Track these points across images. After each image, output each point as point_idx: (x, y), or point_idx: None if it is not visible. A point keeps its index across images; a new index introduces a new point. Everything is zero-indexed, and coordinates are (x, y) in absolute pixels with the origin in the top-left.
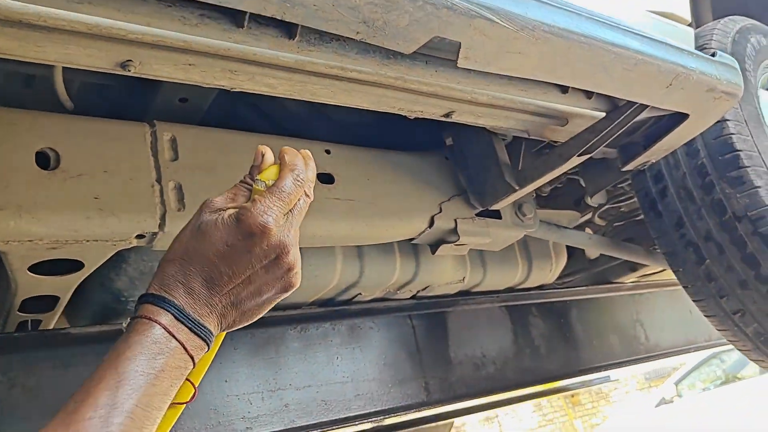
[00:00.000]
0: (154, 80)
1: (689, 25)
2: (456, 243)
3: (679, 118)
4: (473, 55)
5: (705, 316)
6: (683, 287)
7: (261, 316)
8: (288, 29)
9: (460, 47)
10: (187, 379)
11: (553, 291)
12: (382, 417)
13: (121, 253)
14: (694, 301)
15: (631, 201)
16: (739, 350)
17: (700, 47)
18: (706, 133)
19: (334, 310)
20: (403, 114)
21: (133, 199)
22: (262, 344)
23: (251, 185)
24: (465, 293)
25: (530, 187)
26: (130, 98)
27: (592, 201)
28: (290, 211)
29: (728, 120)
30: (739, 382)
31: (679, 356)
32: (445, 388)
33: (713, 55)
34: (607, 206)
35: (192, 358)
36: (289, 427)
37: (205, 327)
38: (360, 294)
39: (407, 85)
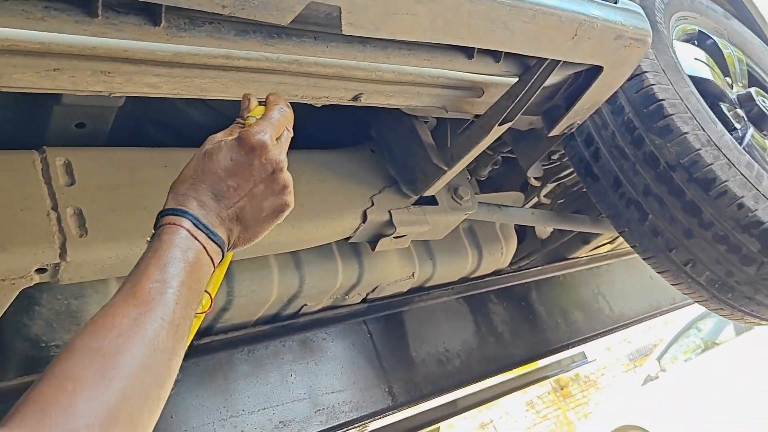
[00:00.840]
0: (43, 106)
1: None
2: (394, 235)
3: (594, 72)
4: (357, 20)
5: (658, 272)
6: (632, 247)
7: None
8: (151, 14)
9: (341, 12)
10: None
11: (509, 275)
12: (345, 429)
13: (31, 294)
14: (644, 259)
15: (572, 174)
16: (696, 302)
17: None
18: (627, 88)
19: (282, 325)
20: (308, 102)
21: (26, 231)
22: (209, 372)
23: (244, 123)
24: (418, 289)
25: (459, 166)
26: (21, 130)
27: (529, 173)
28: (279, 137)
29: (647, 72)
30: (718, 347)
31: (646, 322)
32: (410, 390)
33: (615, 2)
34: (551, 184)
35: (212, 261)
36: None
37: (218, 235)
38: (306, 305)
39: (304, 69)
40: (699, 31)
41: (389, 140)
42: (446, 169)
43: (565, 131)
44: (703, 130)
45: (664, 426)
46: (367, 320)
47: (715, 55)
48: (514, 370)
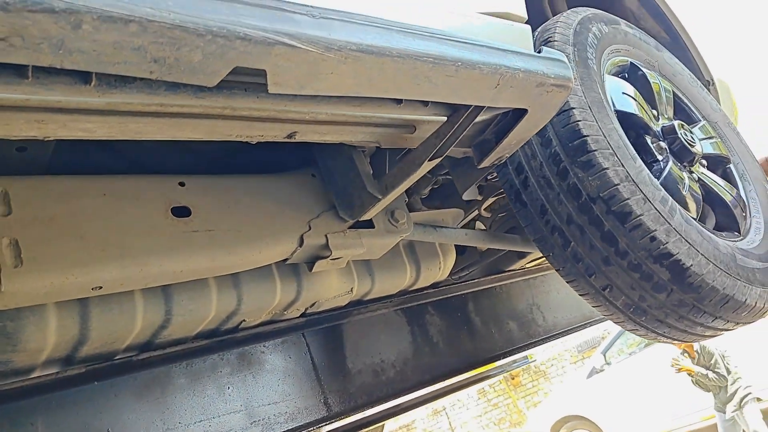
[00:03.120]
0: None
1: (527, 22)
2: (331, 258)
3: (520, 113)
4: (282, 80)
5: (579, 295)
6: (556, 270)
7: None
8: (82, 75)
9: (266, 74)
10: None
11: (447, 287)
12: None
13: None
14: (567, 282)
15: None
16: (614, 323)
17: (545, 41)
18: (555, 123)
19: (221, 340)
20: (243, 140)
21: None
22: (146, 386)
23: None
24: (357, 303)
25: (393, 195)
26: None
27: (465, 197)
28: None
29: (574, 108)
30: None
31: (577, 332)
32: (345, 400)
33: (539, 51)
34: (489, 201)
35: None
36: None
37: None
38: (244, 321)
39: (238, 113)
40: (631, 63)
41: (329, 166)
42: (381, 197)
43: (495, 162)
44: (623, 166)
45: (607, 417)
46: (305, 333)
47: (644, 87)
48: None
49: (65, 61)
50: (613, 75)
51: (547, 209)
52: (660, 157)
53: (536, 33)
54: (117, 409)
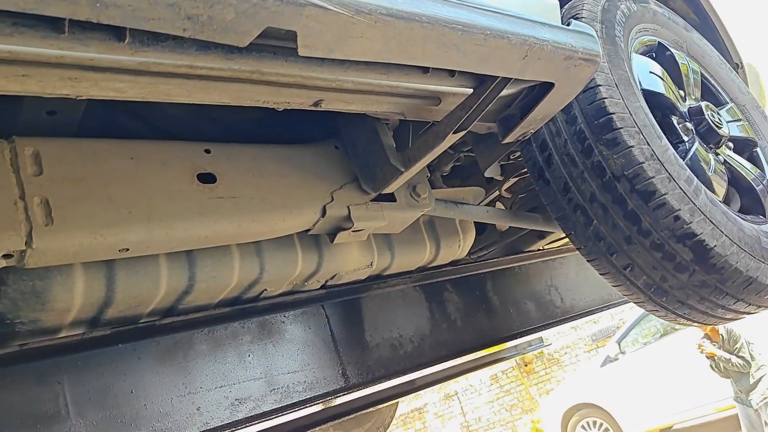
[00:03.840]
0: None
1: None
2: (352, 229)
3: (547, 87)
4: (312, 42)
5: (600, 274)
6: (577, 249)
7: None
8: (116, 31)
9: (297, 36)
10: None
11: (466, 265)
12: (298, 408)
13: None
14: (588, 261)
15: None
16: (635, 303)
17: (573, 17)
18: (581, 100)
19: (242, 308)
20: (270, 106)
21: None
22: (168, 350)
23: None
24: (376, 277)
25: (416, 168)
26: None
27: (487, 174)
28: None
29: (600, 85)
30: (677, 332)
31: (598, 314)
32: (363, 372)
33: (568, 24)
34: (510, 181)
35: None
36: (202, 429)
37: None
38: (266, 290)
39: (266, 78)
40: (659, 42)
41: (353, 138)
42: (403, 170)
43: (520, 138)
44: (648, 144)
45: (620, 405)
46: (325, 305)
47: (672, 67)
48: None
49: (101, 16)
50: (640, 54)
51: (570, 187)
52: (686, 138)
53: (564, 9)
54: (140, 371)
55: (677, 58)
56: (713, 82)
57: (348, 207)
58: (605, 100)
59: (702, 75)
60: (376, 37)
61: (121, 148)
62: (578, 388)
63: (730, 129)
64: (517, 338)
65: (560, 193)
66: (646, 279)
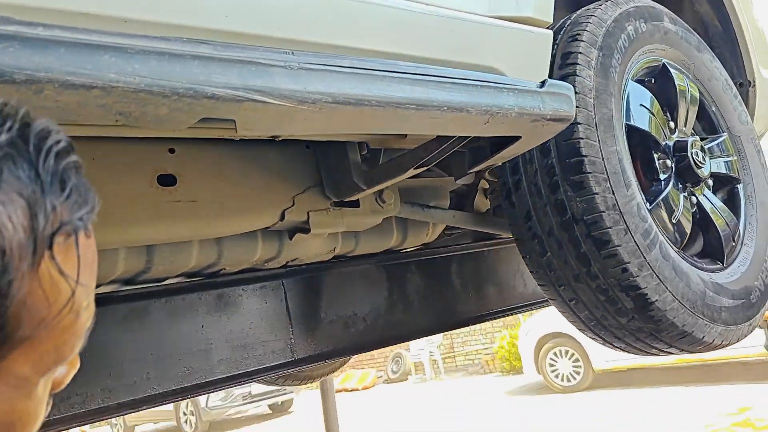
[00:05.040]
0: None
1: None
2: (310, 234)
3: (514, 137)
4: (252, 127)
5: (548, 299)
6: (530, 271)
7: None
8: None
9: (235, 122)
10: None
11: (435, 249)
12: (246, 379)
13: None
14: (538, 284)
15: None
16: (578, 329)
17: (571, 38)
18: (559, 134)
19: (201, 281)
20: (227, 137)
21: None
22: (124, 318)
23: None
24: (342, 257)
25: (377, 188)
26: None
27: (458, 182)
28: None
29: (580, 124)
30: None
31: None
32: (310, 347)
33: (543, 83)
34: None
35: None
36: (149, 394)
37: None
38: (225, 269)
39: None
40: (663, 64)
41: (324, 144)
42: (365, 188)
43: (489, 166)
44: (613, 193)
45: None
46: (285, 281)
47: (669, 93)
48: None
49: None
50: (640, 78)
51: (532, 216)
52: (663, 176)
53: (566, 26)
54: (95, 337)
55: (676, 82)
56: (714, 108)
57: (308, 213)
58: (580, 141)
59: (702, 101)
60: (321, 119)
61: (84, 147)
62: (553, 317)
63: (713, 166)
64: (472, 323)
65: (522, 218)
66: (588, 314)
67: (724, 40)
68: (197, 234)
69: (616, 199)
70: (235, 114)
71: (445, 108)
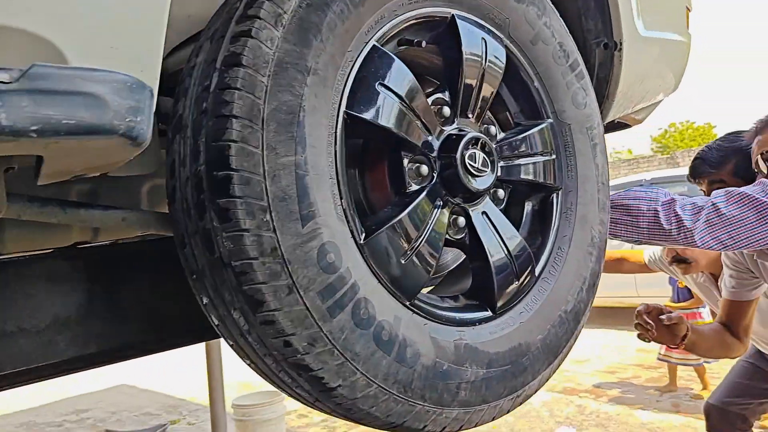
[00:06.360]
0: None
1: None
2: None
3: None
4: None
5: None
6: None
7: None
8: None
9: None
10: None
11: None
12: None
13: None
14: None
15: None
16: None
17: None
18: (209, 130)
19: None
20: None
21: None
22: None
23: None
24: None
25: None
26: None
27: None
28: None
29: (236, 117)
30: None
31: None
32: None
33: (23, 74)
34: None
35: None
36: None
37: None
38: None
39: None
40: (452, 17)
41: None
42: None
43: (61, 178)
44: (275, 231)
45: None
46: None
47: (449, 65)
48: None
49: None
50: (404, 39)
51: (186, 244)
52: (415, 187)
53: None
54: None
55: (464, 47)
56: (536, 85)
57: None
58: (231, 145)
59: (518, 74)
60: None
61: None
62: None
63: (507, 172)
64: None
65: (179, 245)
66: (269, 376)
67: None
68: None
69: (278, 241)
70: None
71: None
